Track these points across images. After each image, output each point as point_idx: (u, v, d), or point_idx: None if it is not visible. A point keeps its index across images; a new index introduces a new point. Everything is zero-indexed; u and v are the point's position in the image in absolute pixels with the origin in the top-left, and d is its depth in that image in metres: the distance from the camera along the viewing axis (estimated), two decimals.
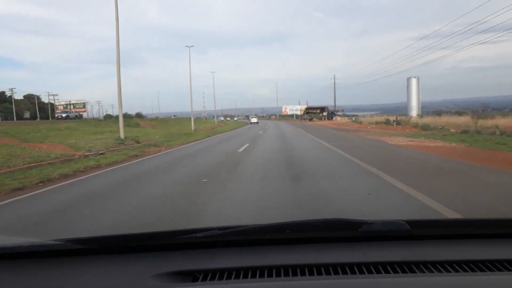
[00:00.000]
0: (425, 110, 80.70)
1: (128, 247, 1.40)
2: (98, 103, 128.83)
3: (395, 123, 35.12)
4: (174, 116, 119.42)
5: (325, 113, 78.13)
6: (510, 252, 1.34)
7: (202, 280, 1.20)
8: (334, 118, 73.60)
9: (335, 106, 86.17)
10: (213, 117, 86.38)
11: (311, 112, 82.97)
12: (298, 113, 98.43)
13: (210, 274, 1.22)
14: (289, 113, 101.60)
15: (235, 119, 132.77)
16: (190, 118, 43.60)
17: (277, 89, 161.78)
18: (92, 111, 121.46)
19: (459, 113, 48.45)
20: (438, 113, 58.23)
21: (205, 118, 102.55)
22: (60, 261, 1.34)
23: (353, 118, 66.01)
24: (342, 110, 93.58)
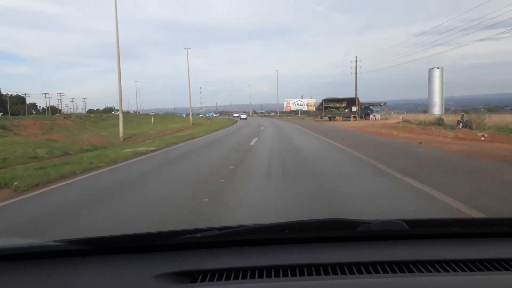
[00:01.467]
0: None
1: (127, 247, 1.37)
2: (72, 100, 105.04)
3: (460, 124, 23.14)
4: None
5: (354, 109, 48.32)
6: (509, 252, 1.31)
7: (201, 281, 1.18)
8: (371, 116, 46.24)
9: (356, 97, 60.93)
10: (186, 114, 62.44)
11: (332, 107, 51.10)
12: (305, 108, 74.08)
13: (209, 275, 1.20)
14: (293, 108, 75.76)
15: (215, 115, 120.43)
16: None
17: (278, 83, 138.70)
18: (73, 107, 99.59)
19: (490, 111, 42.93)
20: (464, 110, 39.72)
21: (188, 114, 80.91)
22: (59, 262, 1.31)
23: (401, 117, 41.45)
24: (384, 103, 54.95)
